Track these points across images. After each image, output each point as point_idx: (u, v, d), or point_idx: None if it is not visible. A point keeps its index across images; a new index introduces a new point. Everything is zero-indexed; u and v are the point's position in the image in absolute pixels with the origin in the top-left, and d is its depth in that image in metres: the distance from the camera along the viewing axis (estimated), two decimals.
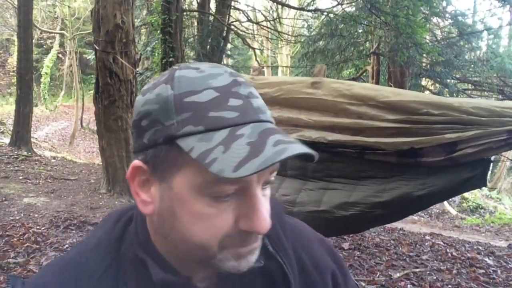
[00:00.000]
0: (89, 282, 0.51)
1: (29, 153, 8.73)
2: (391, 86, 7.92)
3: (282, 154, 0.41)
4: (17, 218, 4.38)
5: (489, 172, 2.01)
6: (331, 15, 8.83)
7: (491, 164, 1.92)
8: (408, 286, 3.41)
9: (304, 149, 0.44)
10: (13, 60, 17.60)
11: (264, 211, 0.47)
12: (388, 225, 6.46)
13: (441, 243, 5.36)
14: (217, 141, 0.43)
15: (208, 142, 0.44)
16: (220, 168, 0.41)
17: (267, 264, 0.55)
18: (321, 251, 0.66)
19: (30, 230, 3.88)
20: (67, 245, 3.60)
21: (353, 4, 8.85)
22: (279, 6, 13.59)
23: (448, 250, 4.81)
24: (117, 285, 0.52)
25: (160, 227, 0.51)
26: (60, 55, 21.80)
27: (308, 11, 10.60)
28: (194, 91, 0.47)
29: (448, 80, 9.11)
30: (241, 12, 11.80)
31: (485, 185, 1.89)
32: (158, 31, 7.98)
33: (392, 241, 5.16)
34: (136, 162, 0.50)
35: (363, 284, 3.37)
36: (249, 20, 11.93)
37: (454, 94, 8.94)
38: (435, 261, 4.28)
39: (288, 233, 0.62)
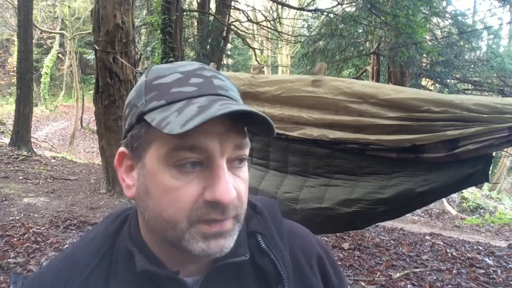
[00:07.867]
0: (78, 279, 0.53)
1: (29, 153, 8.72)
2: None
3: (223, 110, 0.44)
4: (17, 218, 4.37)
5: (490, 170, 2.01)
6: (331, 15, 8.83)
7: (492, 162, 1.92)
8: (408, 286, 3.40)
9: (248, 109, 0.46)
10: (13, 60, 17.61)
11: (226, 182, 0.47)
12: (388, 225, 6.46)
13: (441, 243, 5.35)
14: (174, 110, 0.47)
15: (167, 112, 0.47)
16: (171, 128, 0.44)
17: (260, 260, 0.57)
18: (317, 251, 0.66)
19: (30, 230, 3.87)
20: (67, 245, 3.59)
21: (353, 4, 8.85)
22: (279, 6, 13.61)
23: (448, 250, 4.81)
24: (107, 277, 0.54)
25: (140, 210, 0.53)
26: (60, 55, 21.83)
27: (308, 11, 10.60)
28: (162, 76, 0.51)
29: (448, 80, 9.10)
30: (241, 12, 11.82)
31: (488, 181, 1.89)
32: (158, 31, 8.00)
33: (392, 241, 5.15)
34: (120, 148, 0.55)
35: (363, 284, 3.37)
36: (249, 20, 11.95)
37: (454, 94, 8.92)
38: (435, 261, 4.27)
39: (284, 232, 0.63)
